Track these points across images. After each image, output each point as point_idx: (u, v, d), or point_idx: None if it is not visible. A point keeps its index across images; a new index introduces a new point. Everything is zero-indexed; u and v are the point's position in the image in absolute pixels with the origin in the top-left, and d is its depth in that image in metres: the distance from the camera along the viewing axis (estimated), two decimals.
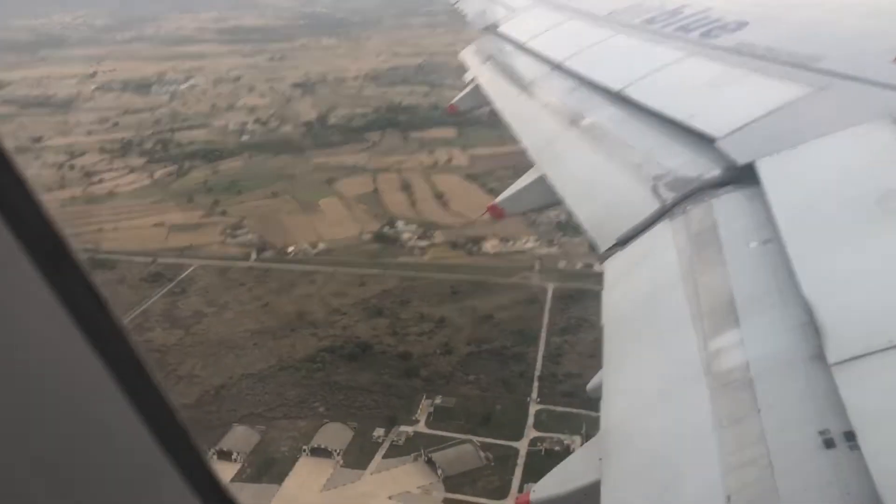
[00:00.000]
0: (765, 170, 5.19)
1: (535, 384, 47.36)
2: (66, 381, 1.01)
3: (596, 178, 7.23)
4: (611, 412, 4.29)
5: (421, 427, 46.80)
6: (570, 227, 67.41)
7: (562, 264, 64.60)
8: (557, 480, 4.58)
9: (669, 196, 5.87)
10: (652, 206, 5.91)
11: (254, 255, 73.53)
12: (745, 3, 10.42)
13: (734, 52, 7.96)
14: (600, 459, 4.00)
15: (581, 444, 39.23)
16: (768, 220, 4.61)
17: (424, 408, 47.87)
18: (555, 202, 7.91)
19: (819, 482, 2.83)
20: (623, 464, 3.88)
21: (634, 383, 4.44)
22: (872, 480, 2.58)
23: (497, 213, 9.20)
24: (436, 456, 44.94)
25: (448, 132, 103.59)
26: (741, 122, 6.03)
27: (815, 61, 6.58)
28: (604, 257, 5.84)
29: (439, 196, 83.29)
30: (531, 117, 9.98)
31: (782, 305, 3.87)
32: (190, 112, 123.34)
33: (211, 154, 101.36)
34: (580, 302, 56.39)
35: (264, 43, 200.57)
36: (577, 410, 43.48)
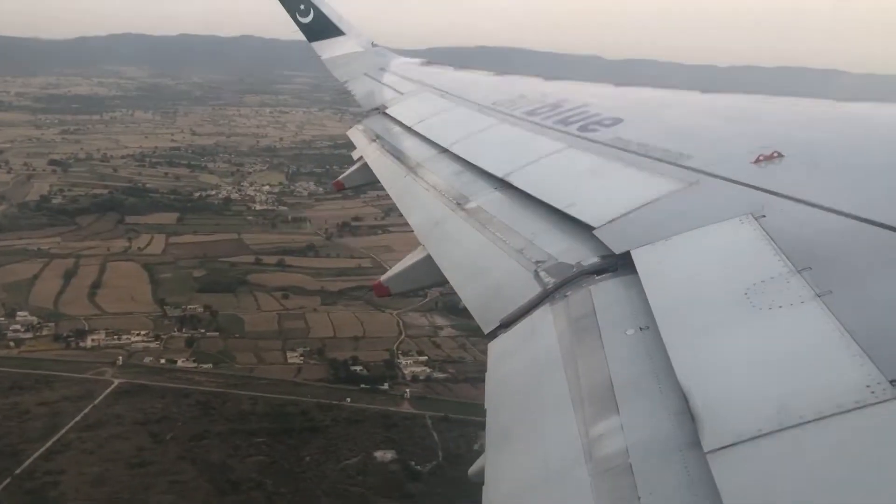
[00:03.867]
0: (640, 259, 5.42)
1: None
2: None
3: (480, 260, 7.33)
4: (493, 499, 4.23)
5: None
6: (192, 320, 66.85)
7: (148, 360, 60.93)
8: None
9: (550, 281, 6.01)
10: (534, 290, 6.02)
11: None
12: (620, 102, 11.10)
13: (610, 145, 8.39)
14: None
15: None
16: (644, 308, 4.78)
17: None
18: (440, 282, 7.96)
19: None
20: None
21: (516, 469, 4.40)
22: None
23: (382, 291, 9.17)
24: None
25: (169, 217, 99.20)
26: (617, 212, 6.31)
27: (684, 159, 7.02)
28: (488, 339, 5.88)
29: (95, 286, 76.68)
30: (418, 197, 10.11)
31: (659, 392, 3.98)
32: None
33: None
34: (136, 396, 54.13)
35: (79, 113, 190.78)
36: None
